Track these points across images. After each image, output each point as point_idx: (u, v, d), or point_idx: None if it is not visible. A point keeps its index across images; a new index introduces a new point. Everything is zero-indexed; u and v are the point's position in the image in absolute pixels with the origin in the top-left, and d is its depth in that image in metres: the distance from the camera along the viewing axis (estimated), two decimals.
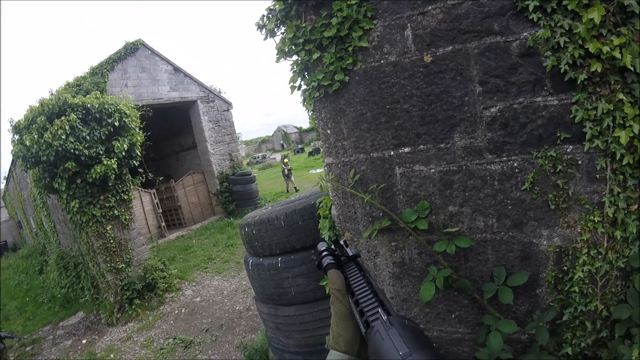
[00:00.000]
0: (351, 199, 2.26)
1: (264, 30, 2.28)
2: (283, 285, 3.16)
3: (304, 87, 2.26)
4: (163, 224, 12.73)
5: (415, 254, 2.15)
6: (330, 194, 2.38)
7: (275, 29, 2.23)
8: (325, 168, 2.34)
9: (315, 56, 2.08)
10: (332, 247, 1.14)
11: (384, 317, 0.70)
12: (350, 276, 0.96)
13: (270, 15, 2.23)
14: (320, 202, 2.56)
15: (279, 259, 3.17)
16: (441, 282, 1.92)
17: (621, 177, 1.73)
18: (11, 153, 6.57)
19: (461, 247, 1.93)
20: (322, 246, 1.12)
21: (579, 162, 1.79)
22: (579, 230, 1.84)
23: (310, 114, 2.38)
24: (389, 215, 2.10)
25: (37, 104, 6.23)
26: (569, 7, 1.61)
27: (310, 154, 35.26)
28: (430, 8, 1.84)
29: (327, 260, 1.04)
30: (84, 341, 6.38)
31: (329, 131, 2.23)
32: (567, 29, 1.64)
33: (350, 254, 1.04)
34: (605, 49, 1.60)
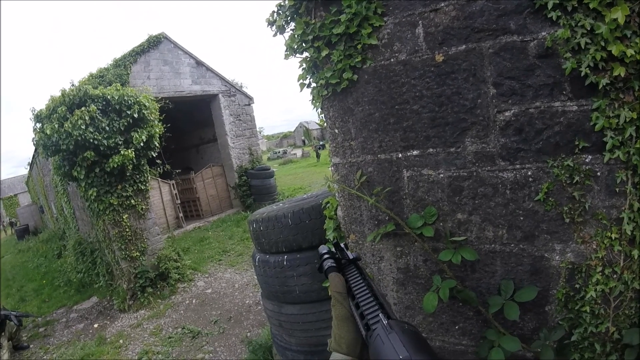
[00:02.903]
0: (357, 201, 2.20)
1: (274, 26, 2.23)
2: (288, 283, 3.13)
3: (313, 84, 2.21)
4: (181, 214, 12.92)
5: (421, 261, 2.07)
6: (337, 194, 2.32)
7: (285, 26, 2.18)
8: (332, 168, 2.28)
9: (323, 53, 2.02)
10: (333, 250, 1.15)
11: (385, 321, 0.71)
12: (351, 279, 0.98)
13: (280, 12, 2.19)
14: (326, 203, 2.50)
15: (285, 256, 3.13)
16: (445, 293, 1.84)
17: None
18: (32, 141, 6.75)
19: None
20: (323, 249, 1.14)
21: (598, 173, 1.67)
22: (594, 246, 1.73)
23: (318, 113, 2.32)
24: (394, 219, 2.03)
25: (58, 94, 6.37)
26: (591, 6, 1.49)
27: None
28: (443, 5, 1.75)
29: (328, 263, 1.06)
30: (95, 325, 6.53)
31: (336, 130, 2.17)
32: (589, 29, 1.52)
33: (351, 257, 1.07)
34: (630, 51, 1.48)
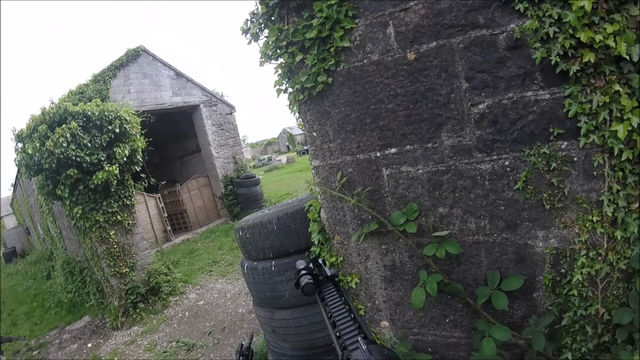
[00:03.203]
0: (340, 202, 2.20)
1: (248, 34, 2.23)
2: (277, 288, 3.11)
3: (289, 90, 2.21)
4: (169, 228, 12.76)
5: (406, 257, 2.08)
6: (319, 197, 2.32)
7: (259, 33, 2.19)
8: (313, 171, 2.28)
9: (298, 58, 2.03)
10: (311, 265, 1.15)
11: (364, 347, 0.70)
12: (328, 296, 0.98)
13: (253, 20, 2.19)
14: (309, 206, 2.50)
15: (273, 262, 3.11)
16: (433, 288, 1.85)
17: (620, 173, 1.64)
18: (14, 161, 6.63)
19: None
20: (300, 264, 1.14)
21: (575, 158, 1.70)
22: (576, 230, 1.76)
23: (296, 117, 2.32)
24: (377, 218, 2.03)
25: (38, 113, 6.27)
26: None
27: None
28: (412, 4, 1.76)
29: (305, 280, 1.05)
30: (89, 345, 6.41)
31: (314, 134, 2.17)
32: (557, 18, 1.56)
33: (329, 273, 1.07)
34: (598, 37, 1.51)
